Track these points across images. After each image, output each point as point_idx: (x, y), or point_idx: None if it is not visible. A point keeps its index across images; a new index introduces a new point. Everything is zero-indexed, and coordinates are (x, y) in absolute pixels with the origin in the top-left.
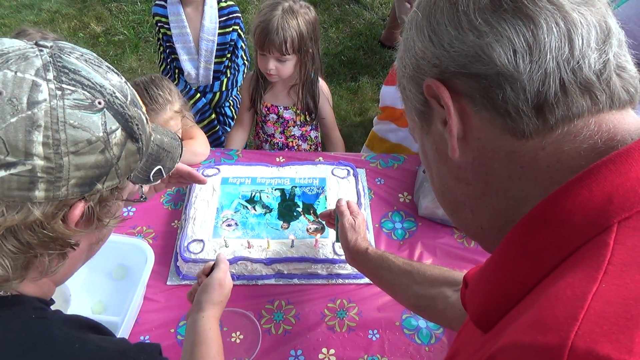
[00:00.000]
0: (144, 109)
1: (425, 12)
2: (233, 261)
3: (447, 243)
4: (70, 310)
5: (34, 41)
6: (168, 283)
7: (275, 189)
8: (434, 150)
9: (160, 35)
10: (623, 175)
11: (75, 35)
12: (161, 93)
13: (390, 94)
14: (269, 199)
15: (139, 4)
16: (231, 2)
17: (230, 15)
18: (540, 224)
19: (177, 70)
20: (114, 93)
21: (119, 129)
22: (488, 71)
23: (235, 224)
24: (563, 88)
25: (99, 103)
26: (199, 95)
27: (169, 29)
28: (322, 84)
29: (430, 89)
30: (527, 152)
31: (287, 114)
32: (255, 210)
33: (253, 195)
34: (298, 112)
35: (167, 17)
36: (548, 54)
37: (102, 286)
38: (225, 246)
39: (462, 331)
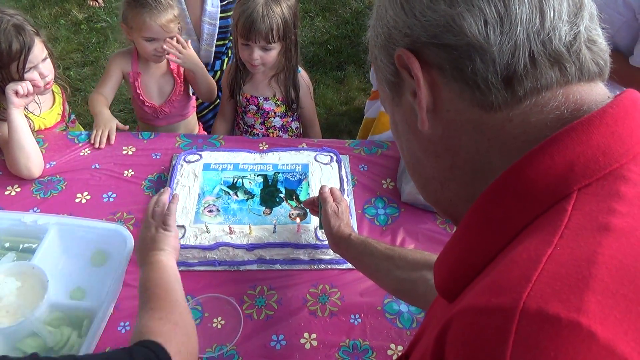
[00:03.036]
0: None
1: None
2: (215, 247)
3: (429, 229)
4: (47, 297)
5: None
6: None
7: (257, 175)
8: (404, 122)
9: None
10: (584, 144)
11: (57, 22)
12: None
13: None
14: (251, 185)
15: None
16: None
17: None
18: (502, 193)
19: None
20: None
21: None
22: (458, 42)
23: (217, 209)
24: (532, 60)
25: None
26: None
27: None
28: (303, 74)
29: (401, 59)
30: (495, 124)
31: (267, 105)
32: (238, 196)
33: (235, 181)
34: (278, 103)
35: None
36: (519, 25)
37: (81, 272)
38: (207, 232)
39: (433, 306)
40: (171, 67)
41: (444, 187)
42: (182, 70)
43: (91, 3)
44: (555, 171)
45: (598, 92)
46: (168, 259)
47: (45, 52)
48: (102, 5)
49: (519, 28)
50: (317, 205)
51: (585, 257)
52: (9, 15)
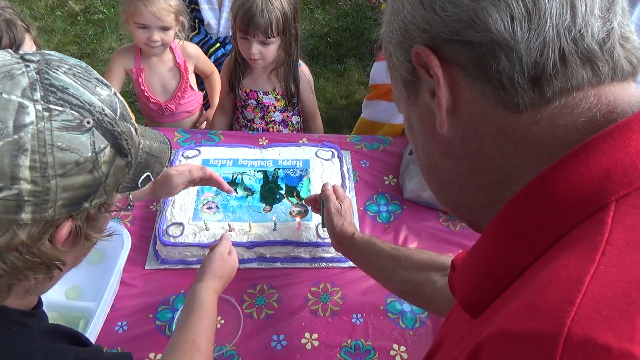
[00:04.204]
0: (133, 119)
1: None
2: (214, 244)
3: (432, 226)
4: (43, 295)
5: (20, 55)
6: (146, 267)
7: (257, 171)
8: (421, 123)
9: None
10: (621, 150)
11: (53, 13)
12: None
13: (380, 70)
14: (251, 181)
15: None
16: None
17: None
18: (532, 203)
19: (197, 21)
20: (103, 110)
21: (108, 147)
22: (482, 39)
23: (216, 206)
24: (563, 58)
25: (88, 122)
26: (218, 44)
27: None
28: (304, 67)
29: (418, 56)
30: (520, 126)
31: (267, 100)
32: (237, 192)
33: (235, 177)
34: (278, 97)
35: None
36: (548, 21)
37: (77, 270)
38: (206, 229)
39: (450, 316)
40: (178, 61)
41: (463, 192)
42: (189, 65)
43: None
44: (590, 180)
45: (631, 93)
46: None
47: (34, 49)
48: None
49: (548, 24)
50: (319, 203)
51: (634, 278)
52: (0, 8)
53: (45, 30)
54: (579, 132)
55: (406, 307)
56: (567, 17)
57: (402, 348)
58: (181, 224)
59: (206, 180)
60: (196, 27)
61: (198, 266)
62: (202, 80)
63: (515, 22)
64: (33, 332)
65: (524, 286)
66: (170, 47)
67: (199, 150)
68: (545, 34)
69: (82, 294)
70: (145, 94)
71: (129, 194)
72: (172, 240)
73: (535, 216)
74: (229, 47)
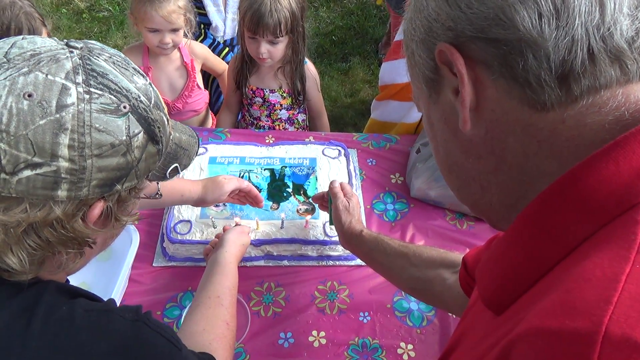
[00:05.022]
0: (165, 109)
1: None
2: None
3: (439, 225)
4: None
5: (65, 41)
6: (154, 265)
7: (264, 169)
8: (443, 122)
9: None
10: None
11: (58, 11)
12: None
13: (388, 70)
14: (258, 179)
15: None
16: None
17: None
18: (560, 201)
19: (202, 25)
20: (139, 97)
21: (142, 133)
22: (509, 36)
23: (224, 204)
24: (591, 57)
25: (124, 107)
26: (227, 49)
27: (195, 15)
28: (310, 65)
29: (442, 54)
30: (546, 125)
31: (273, 97)
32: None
33: (242, 175)
34: (284, 95)
35: None
36: (577, 19)
37: (86, 267)
38: (213, 227)
39: (468, 313)
40: (185, 61)
41: (485, 190)
42: (196, 64)
43: None
44: (621, 178)
45: None
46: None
47: None
48: None
49: (577, 22)
50: (326, 201)
51: None
52: (21, 1)
53: (51, 28)
54: (607, 131)
55: (413, 305)
56: (596, 15)
57: (410, 346)
58: (189, 221)
59: (243, 196)
60: (202, 32)
61: (205, 264)
62: (207, 80)
63: (543, 20)
64: (47, 288)
65: (555, 284)
66: (178, 47)
67: (205, 148)
68: (574, 31)
69: (91, 290)
70: None
71: (158, 182)
72: (179, 237)
73: (564, 214)
74: (237, 48)
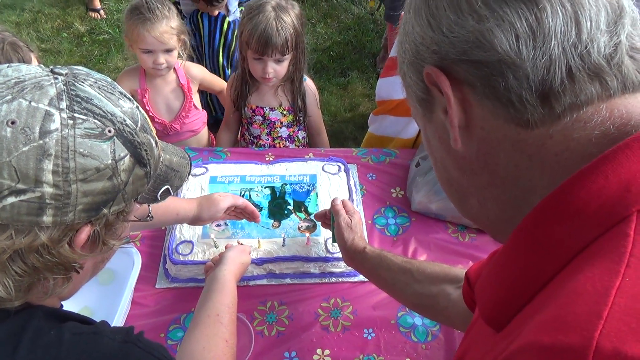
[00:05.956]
0: (154, 132)
1: None
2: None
3: (441, 238)
4: None
5: (50, 68)
6: (157, 286)
7: (265, 187)
8: (437, 139)
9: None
10: None
11: (59, 35)
12: (159, 7)
13: (385, 86)
14: (258, 197)
15: (123, 2)
16: None
17: None
18: (553, 215)
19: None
20: (125, 121)
21: (128, 156)
22: (489, 58)
23: (225, 223)
24: (570, 75)
25: (109, 131)
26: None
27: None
28: (309, 82)
29: (429, 77)
30: (534, 141)
31: (273, 115)
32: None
33: (242, 194)
34: (285, 112)
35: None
36: (553, 39)
37: (88, 291)
38: (215, 247)
39: (471, 329)
40: (181, 82)
41: (482, 205)
42: (192, 85)
43: (93, 15)
44: (610, 191)
45: None
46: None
47: None
48: (104, 17)
49: (553, 42)
50: (328, 218)
51: None
52: (0, 32)
53: (52, 51)
54: (594, 145)
55: (418, 320)
56: (572, 34)
57: None
58: (190, 242)
59: (240, 212)
60: (198, 19)
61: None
62: (207, 99)
63: (520, 41)
64: (35, 313)
65: (549, 299)
66: (174, 68)
67: (206, 168)
68: (551, 51)
69: (94, 315)
70: (150, 113)
71: (149, 205)
72: (181, 258)
73: (556, 228)
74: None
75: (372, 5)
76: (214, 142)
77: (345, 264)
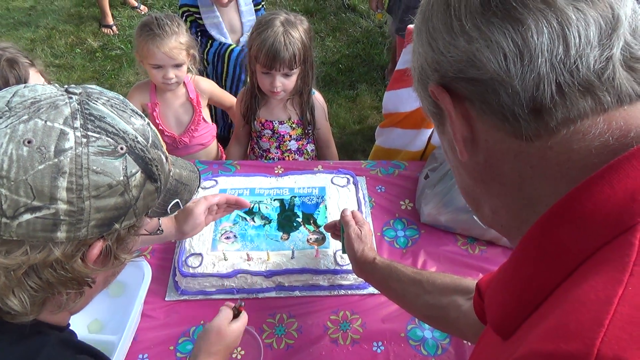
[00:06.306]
0: (164, 147)
1: (425, 16)
2: (233, 274)
3: (450, 250)
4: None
5: (65, 87)
6: (167, 299)
7: (274, 200)
8: (450, 150)
9: (189, 23)
10: None
11: (72, 51)
12: (169, 23)
13: (392, 99)
14: (268, 209)
15: (135, 18)
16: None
17: None
18: (559, 224)
19: (210, 41)
20: (136, 138)
21: (139, 172)
22: (482, 76)
23: (234, 236)
24: (560, 91)
25: (121, 149)
26: (234, 45)
27: (199, 18)
28: (318, 95)
29: (433, 93)
30: (535, 152)
31: (283, 129)
32: (254, 221)
33: (252, 206)
34: (294, 125)
35: (197, 7)
36: (540, 56)
37: (99, 303)
38: (225, 259)
39: (481, 340)
40: (191, 96)
41: (495, 213)
42: (202, 99)
43: (105, 31)
44: (616, 200)
45: None
46: None
47: (42, 81)
48: (116, 33)
49: (540, 59)
50: (338, 229)
51: None
52: (0, 49)
53: (66, 67)
54: (595, 156)
55: (427, 333)
56: (559, 50)
57: None
58: (200, 254)
59: (228, 207)
60: (207, 43)
61: (217, 297)
62: (215, 113)
63: (508, 60)
64: (48, 341)
65: (554, 307)
66: (184, 82)
67: (216, 181)
68: (539, 68)
69: (104, 328)
70: (160, 127)
71: (159, 219)
72: (191, 271)
73: (562, 237)
74: (242, 39)
75: (380, 17)
76: (223, 156)
77: (354, 277)
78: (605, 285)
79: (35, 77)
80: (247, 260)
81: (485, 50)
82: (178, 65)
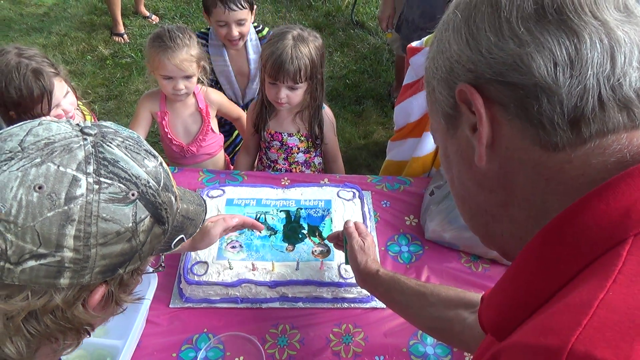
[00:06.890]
0: (174, 186)
1: (465, 15)
2: (237, 284)
3: (454, 267)
4: None
5: (80, 127)
6: (171, 305)
7: (280, 211)
8: (459, 155)
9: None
10: None
11: (83, 58)
12: (180, 35)
13: (401, 112)
14: (274, 220)
15: (146, 27)
16: (265, 28)
17: None
18: (558, 236)
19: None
20: (148, 182)
21: (148, 217)
22: (525, 81)
23: (240, 245)
24: (601, 104)
25: (133, 195)
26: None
27: (210, 62)
28: (327, 110)
29: (462, 94)
30: (554, 164)
31: (291, 141)
32: (260, 232)
33: (258, 216)
34: (302, 138)
35: (207, 52)
36: (589, 69)
37: None
38: (230, 268)
39: (480, 347)
40: (200, 106)
41: (495, 222)
42: (211, 110)
43: (116, 39)
44: (611, 216)
45: None
46: None
47: (66, 88)
48: (127, 41)
49: (589, 72)
50: (341, 240)
51: (639, 305)
52: (27, 58)
53: (76, 73)
54: (608, 171)
55: (429, 349)
56: (607, 66)
57: None
58: (205, 262)
59: (240, 226)
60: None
61: (221, 305)
62: (223, 123)
63: (558, 68)
64: None
65: (545, 312)
66: (193, 93)
67: (223, 190)
68: (586, 81)
69: (109, 332)
70: (169, 136)
71: (162, 255)
72: (196, 278)
73: (559, 249)
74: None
75: (390, 36)
76: (230, 166)
77: (357, 290)
78: (589, 290)
79: (59, 87)
80: (252, 270)
81: (536, 56)
82: (188, 77)
